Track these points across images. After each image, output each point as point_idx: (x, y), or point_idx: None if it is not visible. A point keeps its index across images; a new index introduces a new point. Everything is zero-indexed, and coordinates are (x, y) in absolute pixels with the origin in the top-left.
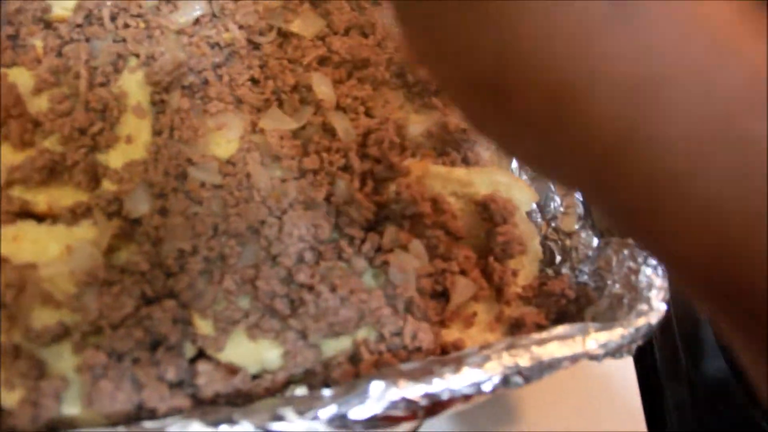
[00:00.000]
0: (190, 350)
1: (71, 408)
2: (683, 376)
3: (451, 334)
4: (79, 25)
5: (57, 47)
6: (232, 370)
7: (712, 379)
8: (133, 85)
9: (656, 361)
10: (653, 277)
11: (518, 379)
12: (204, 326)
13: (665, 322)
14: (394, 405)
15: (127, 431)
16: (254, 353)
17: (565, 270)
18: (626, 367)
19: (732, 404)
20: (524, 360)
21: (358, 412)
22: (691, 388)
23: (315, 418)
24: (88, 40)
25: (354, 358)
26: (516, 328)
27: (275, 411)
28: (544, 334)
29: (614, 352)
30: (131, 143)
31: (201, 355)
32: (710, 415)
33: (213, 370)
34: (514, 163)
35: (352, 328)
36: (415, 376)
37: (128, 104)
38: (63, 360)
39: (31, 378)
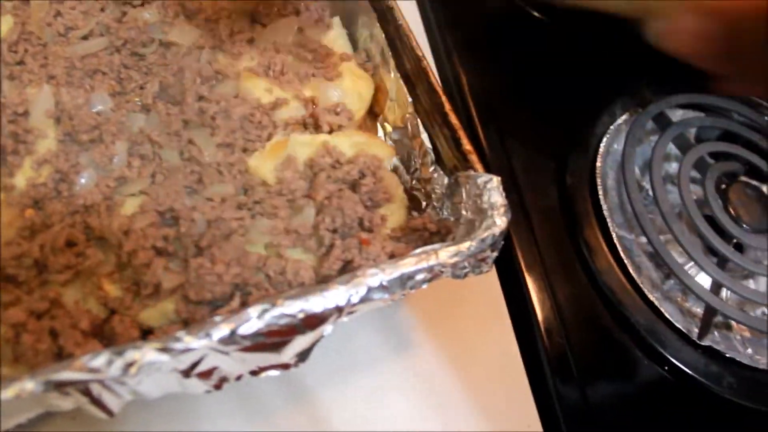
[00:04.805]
0: (102, 311)
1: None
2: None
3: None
4: None
5: None
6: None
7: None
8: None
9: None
10: (495, 197)
11: (382, 291)
12: (112, 290)
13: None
14: (275, 320)
15: None
16: (156, 311)
17: (429, 211)
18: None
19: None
20: (385, 274)
21: (244, 329)
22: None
23: (207, 336)
24: None
25: (243, 300)
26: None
27: (173, 335)
28: (406, 256)
29: (470, 264)
30: None
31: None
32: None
33: (120, 323)
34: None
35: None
36: (292, 297)
37: None
38: None
39: None
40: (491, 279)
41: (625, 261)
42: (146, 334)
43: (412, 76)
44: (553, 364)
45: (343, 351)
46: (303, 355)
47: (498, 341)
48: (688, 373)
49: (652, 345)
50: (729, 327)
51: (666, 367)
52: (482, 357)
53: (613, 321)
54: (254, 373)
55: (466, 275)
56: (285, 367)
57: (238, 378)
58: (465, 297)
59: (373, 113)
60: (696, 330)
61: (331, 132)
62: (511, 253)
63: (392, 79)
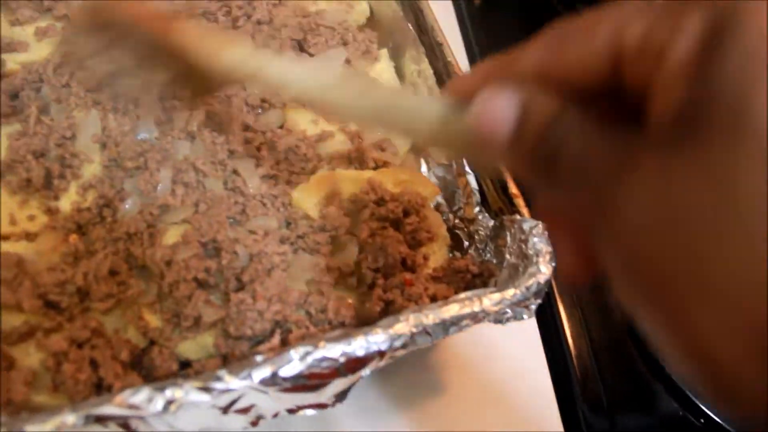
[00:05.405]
0: (142, 341)
1: (39, 396)
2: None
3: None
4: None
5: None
6: (176, 355)
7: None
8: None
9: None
10: (540, 244)
11: (425, 336)
12: (153, 320)
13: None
14: (317, 363)
15: None
16: (195, 343)
17: (471, 251)
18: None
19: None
20: (428, 319)
21: (286, 371)
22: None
23: (249, 377)
24: (39, 90)
25: (283, 337)
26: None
27: (214, 373)
28: (449, 301)
29: (512, 311)
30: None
31: (152, 343)
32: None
33: (159, 354)
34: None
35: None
36: (334, 340)
37: None
38: (30, 356)
39: (3, 369)
40: (528, 320)
41: None
42: (184, 366)
43: None
44: (588, 409)
45: (376, 389)
46: (341, 396)
47: (533, 384)
48: (723, 426)
49: (687, 396)
50: None
51: (702, 420)
52: (516, 398)
53: (649, 370)
54: (291, 411)
55: (507, 321)
56: (322, 406)
57: (275, 415)
58: (500, 337)
59: (416, 148)
60: None
61: (376, 168)
62: (549, 295)
63: None
